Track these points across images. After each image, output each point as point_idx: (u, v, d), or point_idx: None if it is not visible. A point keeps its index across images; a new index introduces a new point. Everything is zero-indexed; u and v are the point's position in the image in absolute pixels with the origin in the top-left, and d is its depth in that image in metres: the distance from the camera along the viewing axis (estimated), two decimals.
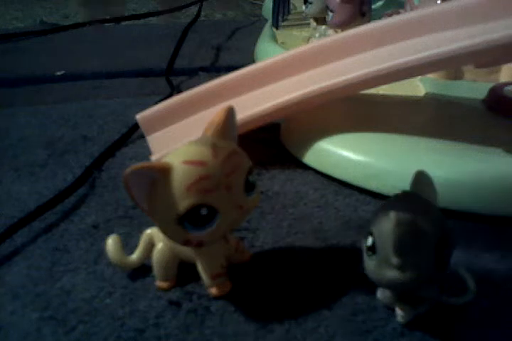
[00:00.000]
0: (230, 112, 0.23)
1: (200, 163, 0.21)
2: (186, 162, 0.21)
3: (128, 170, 0.20)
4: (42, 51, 0.65)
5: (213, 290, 0.24)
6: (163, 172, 0.21)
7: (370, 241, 0.21)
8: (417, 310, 0.23)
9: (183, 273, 0.25)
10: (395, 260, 0.20)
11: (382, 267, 0.21)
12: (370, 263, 0.21)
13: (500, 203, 0.29)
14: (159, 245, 0.24)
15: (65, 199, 0.32)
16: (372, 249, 0.21)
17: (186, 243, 0.22)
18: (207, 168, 0.21)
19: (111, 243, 0.25)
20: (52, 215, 0.30)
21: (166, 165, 0.21)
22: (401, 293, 0.23)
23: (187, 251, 0.24)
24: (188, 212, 0.21)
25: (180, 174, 0.20)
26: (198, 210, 0.21)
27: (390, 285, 0.22)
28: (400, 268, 0.20)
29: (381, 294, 0.23)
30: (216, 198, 0.21)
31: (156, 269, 0.25)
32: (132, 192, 0.21)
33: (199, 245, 0.22)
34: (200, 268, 0.24)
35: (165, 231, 0.22)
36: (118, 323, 0.23)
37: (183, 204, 0.20)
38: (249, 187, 0.22)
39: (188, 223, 0.21)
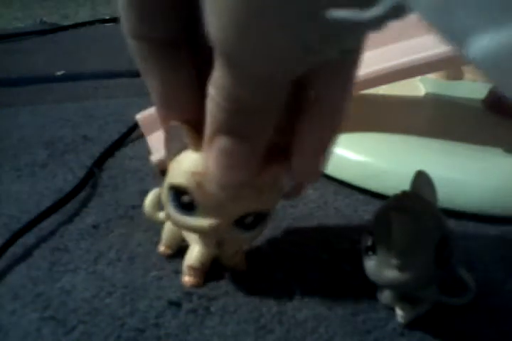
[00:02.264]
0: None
1: None
2: None
3: (174, 123, 0.21)
4: (42, 51, 0.65)
5: (184, 279, 0.25)
6: (195, 146, 0.21)
7: (370, 241, 0.21)
8: (417, 310, 0.23)
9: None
10: (395, 260, 0.20)
11: (382, 267, 0.21)
12: (370, 263, 0.21)
13: (500, 203, 0.29)
14: None
15: (67, 203, 0.32)
16: (372, 248, 0.21)
17: (165, 212, 0.23)
18: None
19: (151, 195, 0.27)
20: (52, 215, 0.30)
21: (199, 143, 0.21)
22: (401, 293, 0.23)
23: (187, 233, 0.25)
24: (176, 188, 0.21)
25: (199, 159, 0.20)
26: (182, 194, 0.21)
27: (390, 285, 0.22)
28: (400, 268, 0.20)
29: (381, 294, 0.23)
30: (204, 200, 0.21)
31: (163, 235, 0.26)
32: (167, 142, 0.22)
33: (167, 218, 0.23)
34: (187, 253, 0.25)
35: (164, 189, 0.22)
36: (118, 323, 0.23)
37: (178, 180, 0.21)
38: (242, 225, 0.21)
39: (171, 194, 0.21)
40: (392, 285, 0.22)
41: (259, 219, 0.22)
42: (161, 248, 0.27)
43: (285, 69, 0.16)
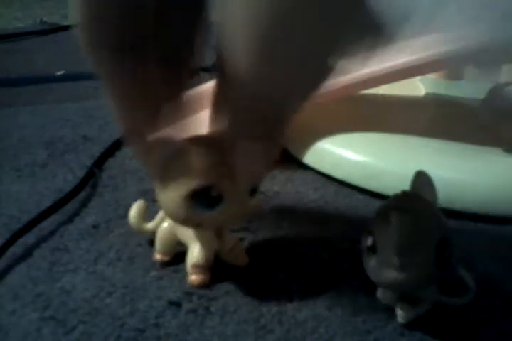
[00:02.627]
0: None
1: None
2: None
3: (155, 137, 0.21)
4: (42, 51, 0.65)
5: (191, 278, 0.25)
6: (188, 145, 0.21)
7: (370, 241, 0.21)
8: (417, 310, 0.23)
9: (183, 273, 0.25)
10: (395, 260, 0.20)
11: (382, 267, 0.21)
12: (370, 263, 0.21)
13: (500, 203, 0.29)
14: (164, 224, 0.26)
15: (67, 203, 0.32)
16: (372, 248, 0.21)
17: (185, 220, 0.22)
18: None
19: (135, 207, 0.27)
20: (52, 215, 0.30)
21: (192, 142, 0.22)
22: (401, 293, 0.23)
23: (183, 234, 0.25)
24: (198, 191, 0.21)
25: (206, 154, 0.21)
26: (206, 193, 0.21)
27: (390, 285, 0.22)
28: (400, 268, 0.20)
29: (381, 294, 0.23)
30: (230, 188, 0.22)
31: (157, 243, 0.26)
32: (158, 153, 0.22)
33: (198, 225, 0.23)
34: (187, 254, 0.25)
35: (169, 203, 0.22)
36: (118, 323, 0.23)
37: (199, 181, 0.21)
38: (252, 193, 0.23)
39: (197, 200, 0.21)
40: (392, 285, 0.22)
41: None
42: (157, 256, 0.26)
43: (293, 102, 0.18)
